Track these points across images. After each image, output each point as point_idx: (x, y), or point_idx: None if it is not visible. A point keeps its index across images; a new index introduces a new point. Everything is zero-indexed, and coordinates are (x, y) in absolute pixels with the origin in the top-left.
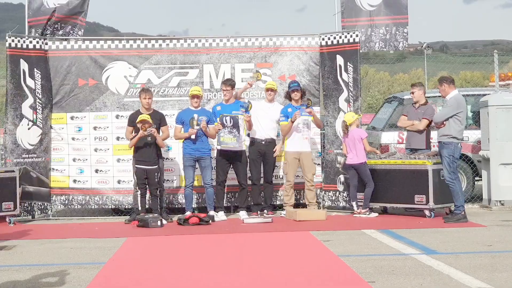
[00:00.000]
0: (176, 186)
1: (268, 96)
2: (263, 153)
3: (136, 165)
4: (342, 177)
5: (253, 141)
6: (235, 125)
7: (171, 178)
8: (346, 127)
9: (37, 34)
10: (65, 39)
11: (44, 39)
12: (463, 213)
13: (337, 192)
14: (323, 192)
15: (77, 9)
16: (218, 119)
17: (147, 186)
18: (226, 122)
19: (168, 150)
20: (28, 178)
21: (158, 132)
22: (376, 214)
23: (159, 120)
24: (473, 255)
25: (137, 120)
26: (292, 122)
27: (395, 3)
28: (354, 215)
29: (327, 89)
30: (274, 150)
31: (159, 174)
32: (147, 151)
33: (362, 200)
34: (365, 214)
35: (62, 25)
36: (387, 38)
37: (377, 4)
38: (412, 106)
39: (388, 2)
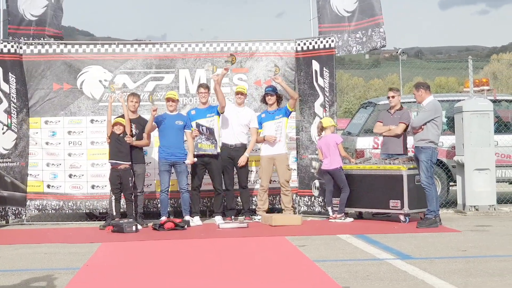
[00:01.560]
0: (152, 191)
1: (237, 100)
2: (233, 158)
3: (109, 161)
4: (317, 182)
5: (223, 146)
6: (212, 134)
7: (147, 183)
8: (321, 129)
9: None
10: (40, 43)
11: (19, 43)
12: (434, 217)
13: (312, 197)
14: (299, 197)
15: (51, 20)
16: (194, 125)
17: (121, 191)
18: (203, 131)
19: (144, 155)
20: (2, 183)
21: (141, 138)
22: (352, 219)
23: (142, 126)
24: (447, 260)
25: (113, 122)
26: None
27: (369, 7)
28: (330, 220)
29: (302, 94)
30: (238, 161)
31: (133, 179)
32: (120, 147)
33: (338, 205)
34: (340, 219)
35: (43, 39)
36: (363, 41)
37: (352, 10)
38: (387, 112)
39: (362, 8)
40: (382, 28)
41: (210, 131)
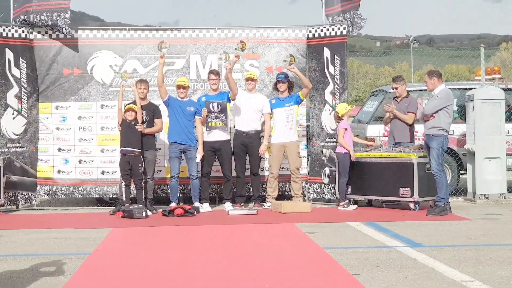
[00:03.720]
0: (162, 177)
1: (248, 86)
2: (246, 145)
3: (121, 148)
4: (327, 170)
5: (236, 133)
6: (223, 111)
7: (157, 169)
8: (338, 118)
9: (17, 22)
10: (51, 29)
11: (30, 28)
12: (444, 205)
13: (322, 185)
14: (309, 184)
15: None
16: (205, 106)
17: (131, 177)
18: (213, 108)
19: (155, 141)
20: (12, 168)
21: (153, 124)
22: (355, 207)
23: (152, 112)
24: (457, 248)
25: (124, 109)
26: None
27: None
28: (339, 207)
29: (313, 81)
30: (259, 150)
31: (143, 165)
32: (131, 135)
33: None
34: (343, 207)
35: (48, 14)
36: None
37: None
38: (395, 100)
39: None
40: (358, 10)
41: (222, 106)
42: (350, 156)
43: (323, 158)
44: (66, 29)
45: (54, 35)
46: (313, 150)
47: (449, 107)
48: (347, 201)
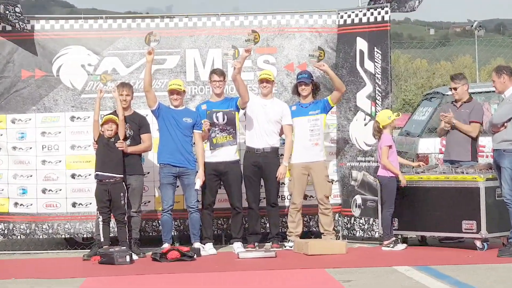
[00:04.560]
0: (151, 210)
1: (263, 90)
2: (261, 166)
3: (96, 172)
4: (358, 198)
5: (248, 152)
6: (230, 123)
7: (145, 200)
8: (378, 131)
9: None
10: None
11: None
12: None
13: (352, 218)
14: (342, 217)
15: None
16: (206, 116)
17: (110, 210)
18: (217, 120)
19: (142, 163)
20: None
21: (138, 141)
22: (404, 246)
23: (138, 125)
24: None
25: (102, 122)
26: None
27: None
28: (383, 247)
29: None
30: (277, 174)
31: (126, 195)
32: (110, 155)
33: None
34: (388, 246)
35: None
36: None
37: None
38: (452, 105)
39: None
40: None
41: (229, 117)
42: (397, 181)
43: (352, 183)
44: (19, 25)
45: (8, 27)
46: (339, 173)
47: None
48: (394, 239)
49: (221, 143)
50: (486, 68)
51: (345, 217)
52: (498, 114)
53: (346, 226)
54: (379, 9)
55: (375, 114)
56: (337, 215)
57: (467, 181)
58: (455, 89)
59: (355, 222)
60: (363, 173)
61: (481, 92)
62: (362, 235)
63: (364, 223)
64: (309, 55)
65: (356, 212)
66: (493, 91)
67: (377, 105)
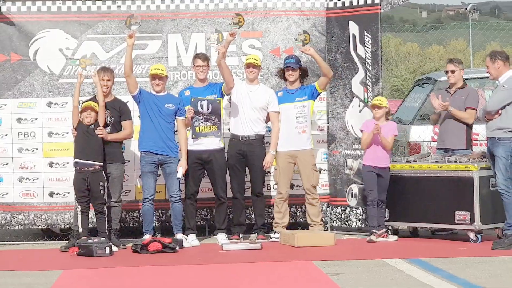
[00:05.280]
0: (132, 200)
1: (249, 75)
2: (246, 155)
3: (75, 160)
4: (354, 188)
5: (232, 139)
6: (215, 112)
7: (125, 189)
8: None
9: None
10: None
11: None
12: None
13: (348, 208)
14: (330, 208)
15: None
16: (190, 104)
17: (89, 200)
18: (202, 109)
19: (122, 150)
20: None
21: (119, 128)
22: (395, 238)
23: (118, 112)
24: None
25: (81, 108)
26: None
27: None
28: (376, 239)
29: (334, 67)
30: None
31: (105, 184)
32: (90, 143)
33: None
34: (378, 238)
35: None
36: None
37: None
38: (446, 92)
39: None
40: None
41: (214, 106)
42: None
43: (347, 172)
44: None
45: None
46: (332, 161)
47: None
48: (384, 230)
49: (205, 132)
50: (481, 53)
51: (338, 207)
52: (493, 101)
53: (339, 216)
54: None
55: (368, 101)
56: (325, 205)
57: (460, 171)
58: (453, 72)
59: (351, 212)
60: (359, 162)
61: (475, 78)
62: (360, 225)
63: (362, 213)
64: (294, 39)
65: (352, 202)
66: (487, 77)
67: (368, 90)
